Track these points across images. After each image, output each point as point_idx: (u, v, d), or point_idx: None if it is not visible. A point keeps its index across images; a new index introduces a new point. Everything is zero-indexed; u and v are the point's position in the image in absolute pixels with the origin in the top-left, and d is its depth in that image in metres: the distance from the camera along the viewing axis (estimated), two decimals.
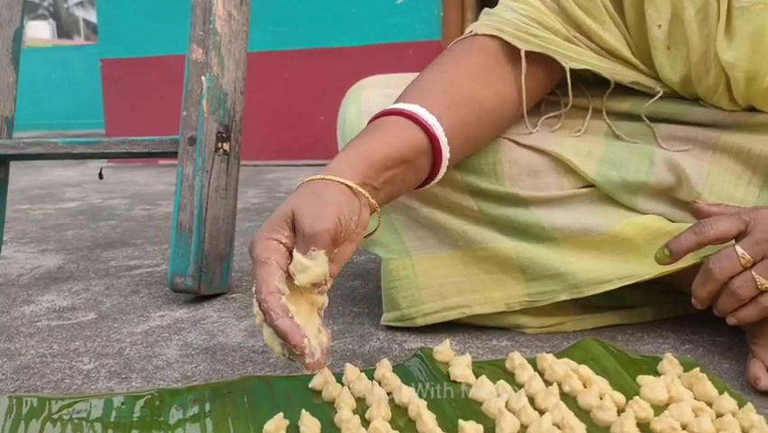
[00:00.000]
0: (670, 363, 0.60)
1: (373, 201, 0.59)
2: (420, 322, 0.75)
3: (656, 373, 0.60)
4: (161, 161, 3.05)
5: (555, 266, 0.71)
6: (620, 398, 0.55)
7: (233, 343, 0.76)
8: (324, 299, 0.56)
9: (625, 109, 0.74)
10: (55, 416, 0.57)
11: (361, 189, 0.58)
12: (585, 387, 0.57)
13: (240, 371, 0.68)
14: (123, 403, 0.59)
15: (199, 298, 0.93)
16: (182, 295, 0.94)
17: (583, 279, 0.70)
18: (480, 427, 0.51)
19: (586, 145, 0.73)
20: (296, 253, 0.53)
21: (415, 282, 0.76)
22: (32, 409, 0.58)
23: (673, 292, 0.76)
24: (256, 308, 0.53)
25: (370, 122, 0.66)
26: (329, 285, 0.55)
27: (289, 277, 0.54)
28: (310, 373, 0.52)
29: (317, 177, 0.58)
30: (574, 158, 0.71)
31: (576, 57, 0.71)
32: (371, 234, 0.62)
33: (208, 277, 0.91)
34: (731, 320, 0.61)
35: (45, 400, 0.60)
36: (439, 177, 0.68)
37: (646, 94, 0.73)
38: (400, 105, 0.65)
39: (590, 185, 0.72)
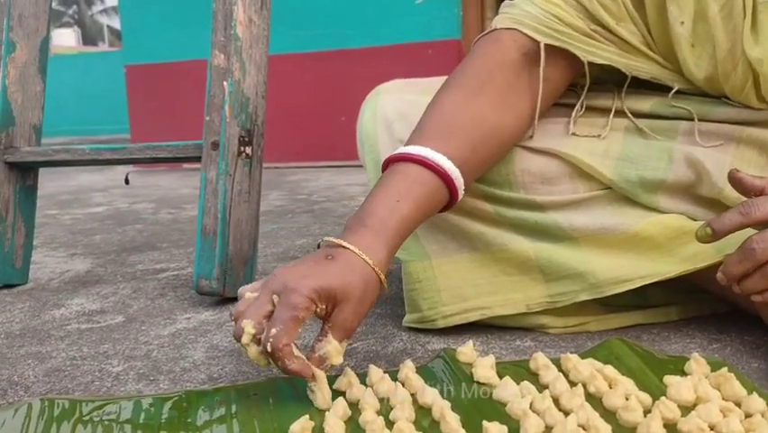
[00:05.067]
0: (697, 362, 0.60)
1: (385, 281, 0.62)
2: (441, 324, 0.75)
3: (683, 373, 0.59)
4: (186, 165, 3.08)
5: (575, 266, 0.71)
6: (646, 398, 0.55)
7: None
8: (339, 357, 0.60)
9: (646, 109, 0.73)
10: (86, 418, 0.58)
11: (383, 280, 0.61)
12: (610, 388, 0.57)
13: (265, 373, 0.69)
14: (151, 405, 0.60)
15: (224, 300, 0.94)
16: (207, 297, 0.95)
17: (604, 278, 0.70)
18: (505, 428, 0.50)
19: (602, 144, 0.72)
20: (332, 340, 0.59)
21: (434, 285, 0.76)
22: (64, 411, 0.60)
23: (698, 291, 0.75)
24: (249, 327, 0.57)
25: (392, 161, 0.66)
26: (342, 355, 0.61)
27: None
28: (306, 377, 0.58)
29: (349, 247, 0.60)
30: (590, 159, 0.71)
31: (595, 51, 0.71)
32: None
33: (233, 279, 0.92)
34: (757, 298, 0.59)
35: (76, 403, 0.61)
36: (450, 210, 0.70)
37: (666, 92, 0.72)
38: (425, 154, 0.65)
39: (607, 187, 0.72)
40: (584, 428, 0.50)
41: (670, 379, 0.57)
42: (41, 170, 1.15)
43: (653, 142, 0.71)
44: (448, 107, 0.70)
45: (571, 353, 0.62)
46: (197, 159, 0.95)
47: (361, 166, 0.85)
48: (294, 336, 0.56)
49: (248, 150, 0.94)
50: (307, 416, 0.54)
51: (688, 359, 0.61)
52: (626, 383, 0.57)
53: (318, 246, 0.63)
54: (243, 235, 0.94)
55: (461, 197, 0.67)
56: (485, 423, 0.51)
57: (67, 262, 1.28)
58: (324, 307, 0.58)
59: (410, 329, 0.78)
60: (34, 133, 1.10)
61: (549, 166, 0.72)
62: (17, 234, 1.08)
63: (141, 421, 0.58)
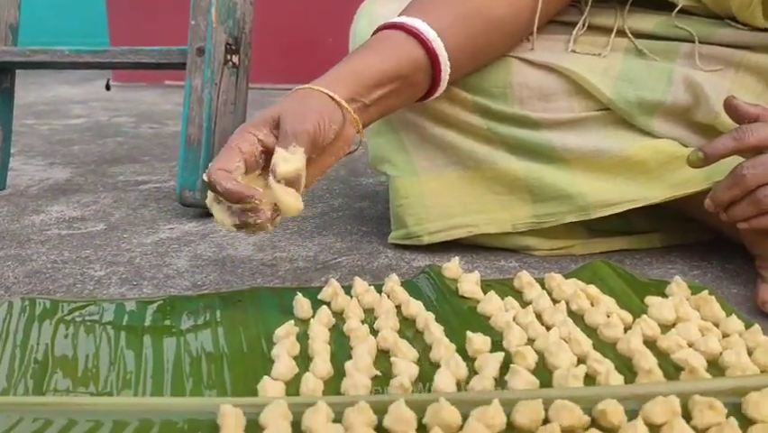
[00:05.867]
0: (678, 285, 0.60)
1: (356, 117, 0.60)
2: (426, 240, 0.75)
3: (664, 296, 0.60)
4: (168, 81, 3.00)
5: (564, 187, 0.71)
6: (627, 316, 0.55)
7: (242, 256, 0.76)
8: (299, 204, 0.57)
9: (649, 29, 0.72)
10: (67, 318, 0.58)
11: (345, 105, 0.59)
12: (592, 306, 0.57)
13: (249, 282, 0.69)
14: (134, 308, 0.60)
15: (207, 213, 0.92)
16: (191, 210, 0.94)
17: (593, 201, 0.70)
18: (488, 339, 0.51)
19: (602, 63, 0.70)
20: (278, 148, 0.56)
21: (422, 201, 0.75)
22: (45, 310, 0.59)
23: (683, 219, 0.76)
24: (209, 194, 0.56)
25: (372, 35, 0.65)
26: (302, 189, 0.57)
27: (265, 176, 0.57)
28: (264, 232, 0.57)
29: (306, 86, 0.60)
30: (589, 75, 0.69)
31: None
32: (353, 152, 0.63)
33: None
34: (743, 225, 0.60)
35: (57, 303, 0.60)
36: (438, 93, 0.68)
37: (670, 12, 0.70)
38: (402, 19, 0.64)
39: (603, 109, 0.71)
40: (565, 342, 0.51)
41: (651, 300, 0.58)
42: (17, 80, 1.10)
43: (653, 63, 0.69)
44: None
45: (555, 273, 0.62)
46: (182, 66, 0.92)
47: None
48: (225, 163, 0.54)
49: (234, 59, 0.91)
50: (292, 321, 0.55)
51: (669, 283, 0.62)
52: (608, 302, 0.57)
53: None
54: None
55: (445, 78, 0.66)
56: (469, 333, 0.51)
57: (45, 170, 1.25)
58: (266, 131, 0.57)
59: (395, 246, 0.78)
60: (11, 33, 1.05)
61: (547, 81, 0.70)
62: None
63: (124, 324, 0.58)
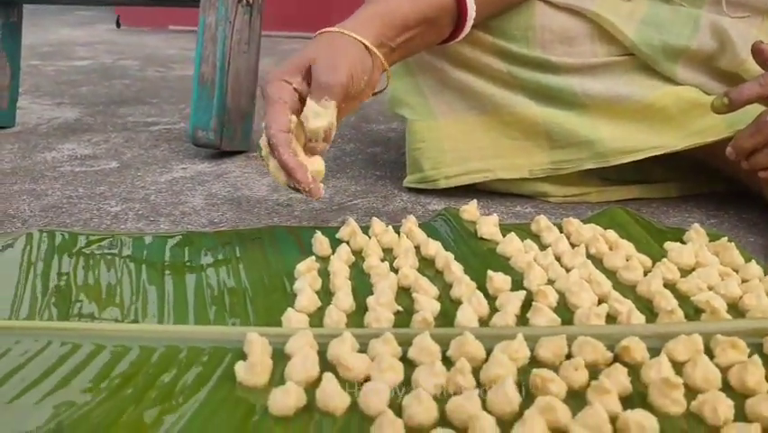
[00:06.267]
0: (697, 233, 0.60)
1: (385, 63, 0.60)
2: (443, 184, 0.75)
3: (682, 243, 0.60)
4: (172, 26, 2.95)
5: (584, 133, 0.70)
6: (646, 260, 0.55)
7: (258, 196, 0.76)
8: (322, 168, 0.59)
9: None
10: (86, 250, 0.58)
11: (375, 50, 0.59)
12: (611, 250, 0.57)
13: (266, 221, 0.69)
14: (153, 242, 0.60)
15: (220, 154, 0.92)
16: (203, 150, 0.93)
17: (612, 147, 0.69)
18: (509, 278, 0.51)
19: (628, 6, 0.69)
20: (310, 100, 0.56)
21: (439, 145, 0.75)
22: (65, 242, 0.59)
23: (699, 169, 0.75)
24: (263, 141, 0.57)
25: None
26: (330, 141, 0.58)
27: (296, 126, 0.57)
28: (314, 199, 0.57)
29: (335, 29, 0.59)
30: (613, 18, 0.68)
31: None
32: (378, 93, 0.63)
33: (230, 132, 0.90)
34: (764, 174, 0.59)
35: (76, 235, 0.61)
36: (462, 36, 0.67)
37: None
38: None
39: (626, 54, 0.69)
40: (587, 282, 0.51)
41: (670, 245, 0.58)
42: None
43: (679, 8, 0.68)
44: None
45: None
46: (195, 3, 0.90)
47: None
48: (282, 121, 0.55)
49: None
50: (313, 257, 0.55)
51: (687, 230, 0.62)
52: (627, 247, 0.57)
53: None
54: (242, 88, 0.91)
55: (470, 21, 0.65)
56: (490, 272, 0.51)
57: (54, 110, 1.24)
58: (300, 80, 0.57)
59: (410, 190, 0.78)
60: None
61: (570, 24, 0.69)
62: (2, 74, 1.03)
63: (144, 258, 0.58)
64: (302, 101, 0.57)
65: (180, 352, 0.43)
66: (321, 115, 0.56)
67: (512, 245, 0.57)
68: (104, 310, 0.49)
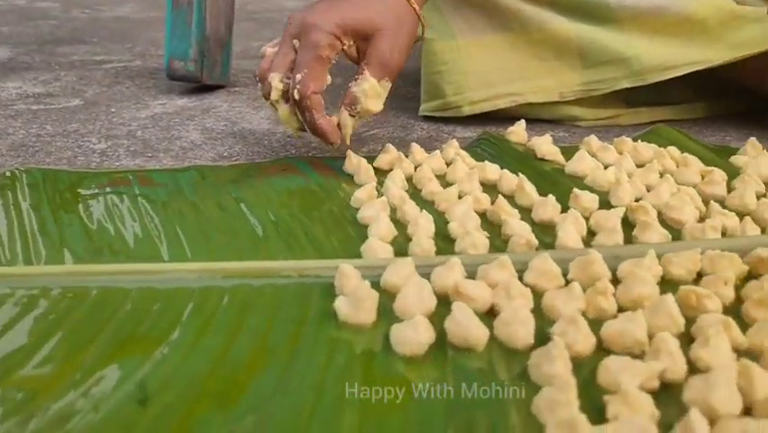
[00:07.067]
0: (753, 146, 0.57)
1: (424, 20, 0.56)
2: (467, 111, 0.69)
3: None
4: None
5: (620, 50, 0.65)
6: (721, 174, 0.52)
7: (262, 129, 0.67)
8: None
9: None
10: (95, 191, 0.49)
11: (422, 16, 0.56)
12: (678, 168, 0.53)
13: (282, 153, 0.60)
14: (169, 181, 0.51)
15: (198, 89, 0.82)
16: (177, 85, 0.82)
17: (649, 64, 0.65)
18: (595, 196, 0.46)
19: None
20: (371, 79, 0.51)
21: (461, 67, 0.68)
22: (72, 182, 0.49)
23: (720, 89, 0.72)
24: (276, 82, 0.51)
25: None
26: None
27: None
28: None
29: None
30: None
31: None
32: (416, 42, 0.59)
33: (210, 64, 0.80)
34: None
35: (82, 175, 0.51)
36: None
37: None
38: None
39: None
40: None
41: (738, 159, 0.55)
42: None
43: None
44: None
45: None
46: None
47: None
48: (322, 81, 0.51)
49: None
50: (374, 183, 0.48)
51: (736, 149, 0.59)
52: (696, 162, 0.54)
53: None
54: (220, 12, 0.80)
55: None
56: (576, 190, 0.46)
57: None
58: (351, 43, 0.52)
59: (428, 119, 0.71)
60: None
61: None
62: None
63: (168, 195, 0.49)
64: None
65: (256, 290, 0.36)
66: (380, 97, 0.52)
67: (584, 163, 0.52)
68: (151, 255, 0.40)
